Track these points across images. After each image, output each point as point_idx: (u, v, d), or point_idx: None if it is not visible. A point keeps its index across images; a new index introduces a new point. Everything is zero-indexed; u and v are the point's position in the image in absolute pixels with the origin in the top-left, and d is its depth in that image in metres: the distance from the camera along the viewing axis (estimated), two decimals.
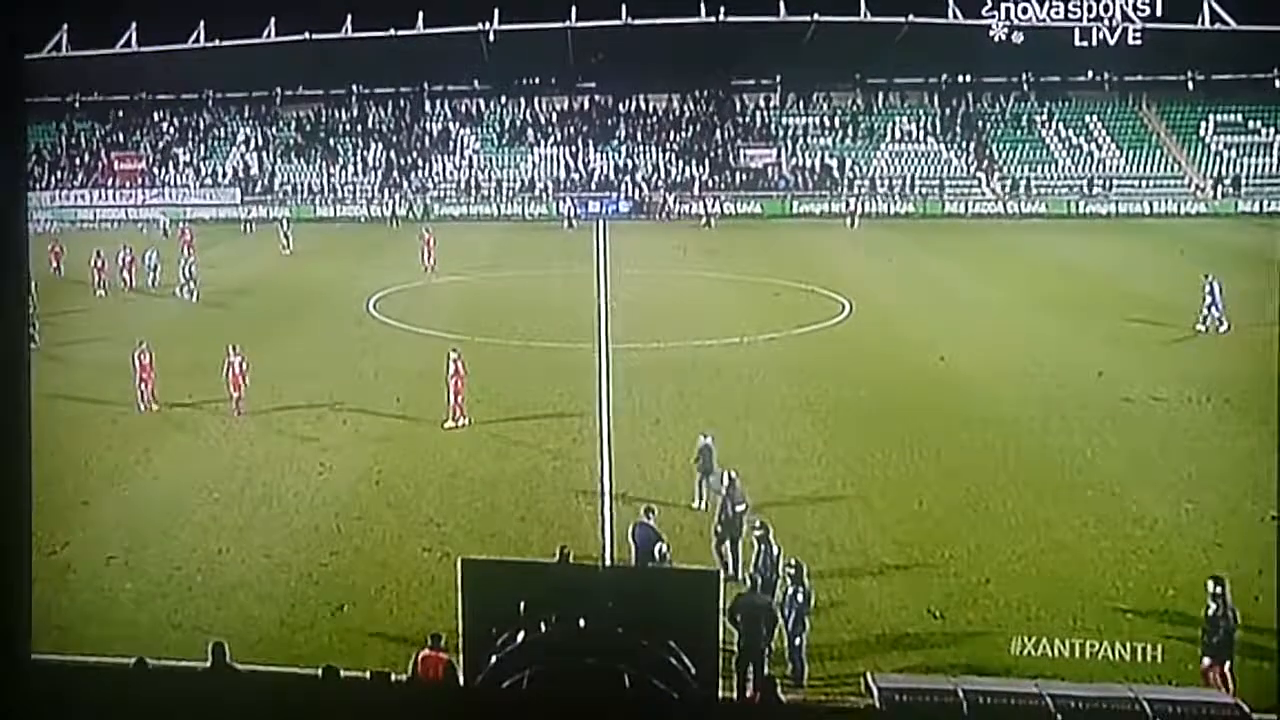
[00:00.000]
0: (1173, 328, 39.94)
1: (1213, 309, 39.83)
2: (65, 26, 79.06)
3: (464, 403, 31.18)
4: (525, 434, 29.62)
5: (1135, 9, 74.18)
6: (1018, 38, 74.44)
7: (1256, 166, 77.07)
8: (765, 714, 15.25)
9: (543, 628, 12.40)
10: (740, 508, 22.58)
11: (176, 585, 22.08)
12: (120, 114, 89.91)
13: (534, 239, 68.46)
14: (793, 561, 19.37)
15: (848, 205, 73.36)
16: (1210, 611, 18.19)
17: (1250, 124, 79.05)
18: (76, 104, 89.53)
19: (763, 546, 20.13)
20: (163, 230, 68.13)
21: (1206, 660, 18.09)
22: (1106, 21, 74.32)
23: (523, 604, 12.85)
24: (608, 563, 22.71)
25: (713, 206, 74.94)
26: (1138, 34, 73.63)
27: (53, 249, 53.40)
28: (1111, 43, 74.50)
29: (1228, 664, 17.94)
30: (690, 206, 76.67)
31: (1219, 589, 18.16)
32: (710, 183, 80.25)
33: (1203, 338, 39.14)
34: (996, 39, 74.69)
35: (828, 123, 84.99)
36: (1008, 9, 74.94)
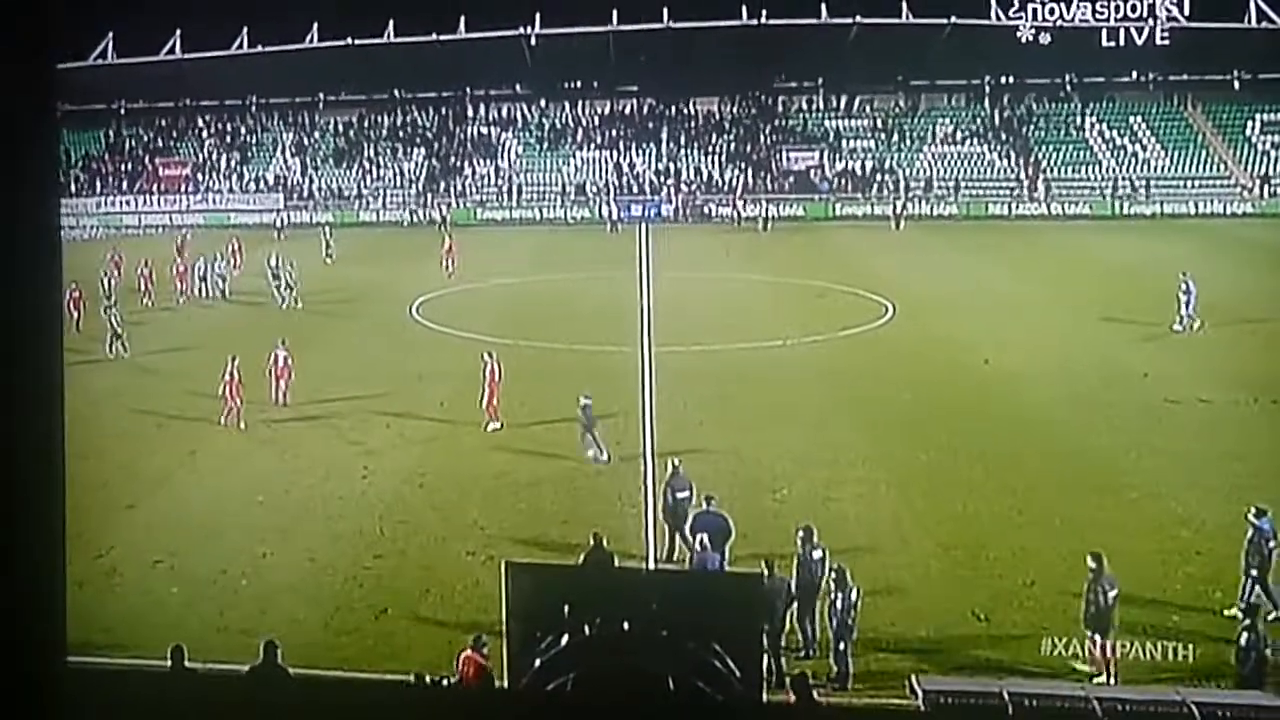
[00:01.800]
0: (1220, 330, 39.69)
1: (1186, 308, 39.94)
2: (110, 34, 79.88)
3: (498, 405, 31.17)
4: (568, 437, 29.62)
5: (1180, 7, 73.77)
6: (1045, 39, 74.14)
7: None
8: (809, 714, 15.15)
9: (586, 630, 12.38)
10: (683, 494, 22.93)
11: (221, 589, 22.13)
12: (164, 121, 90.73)
13: (577, 242, 68.58)
14: (836, 566, 19.31)
15: (892, 208, 73.13)
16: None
17: None
18: (122, 111, 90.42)
19: (806, 549, 20.05)
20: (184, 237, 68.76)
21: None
22: (1149, 21, 73.95)
23: (567, 607, 12.83)
24: (651, 565, 22.71)
25: (755, 209, 74.86)
26: (1165, 34, 73.20)
27: (113, 258, 52.53)
28: (1156, 42, 74.11)
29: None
30: (732, 209, 76.63)
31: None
32: (753, 185, 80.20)
33: (1181, 337, 39.44)
34: (1024, 39, 74.42)
35: (870, 125, 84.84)
36: (1035, 9, 74.71)
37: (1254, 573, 19.99)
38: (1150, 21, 74.21)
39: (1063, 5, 74.76)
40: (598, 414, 28.85)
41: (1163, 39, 73.57)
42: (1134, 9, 74.68)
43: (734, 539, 21.54)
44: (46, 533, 5.39)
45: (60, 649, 5.59)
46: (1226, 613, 19.94)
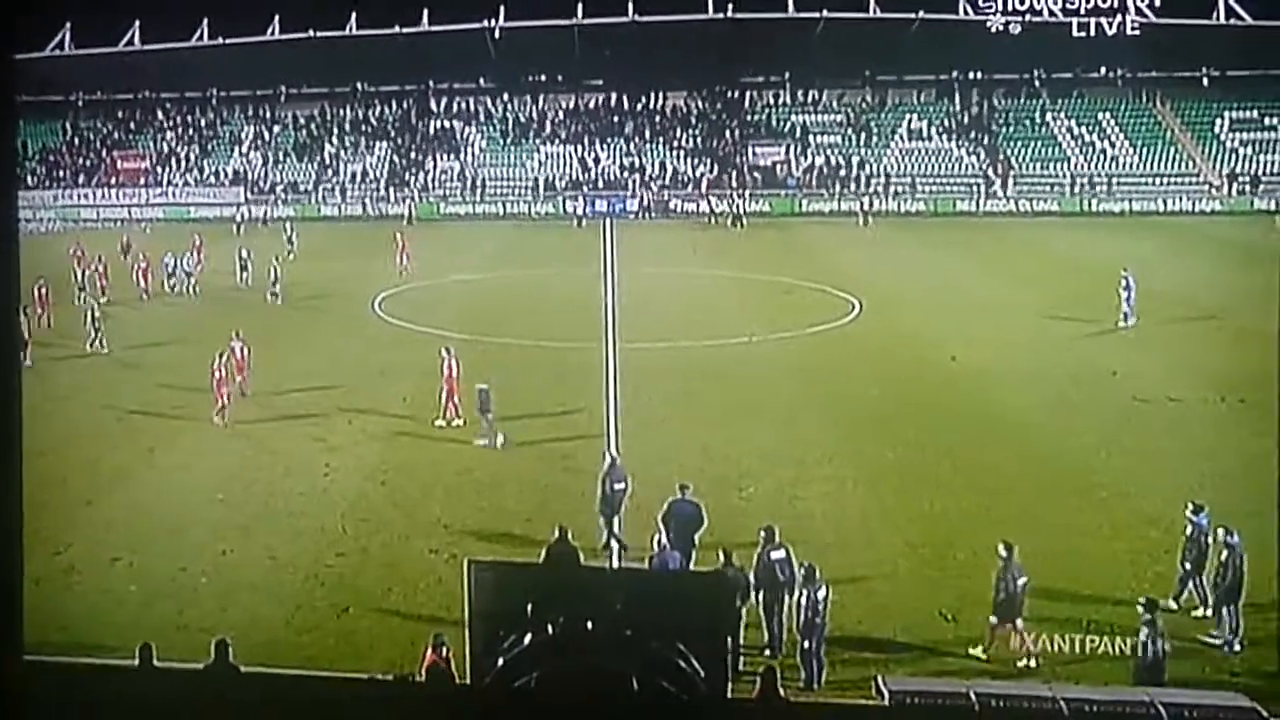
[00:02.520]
0: (1197, 322, 39.77)
1: (1126, 303, 40.23)
2: (68, 25, 79.07)
3: (459, 402, 30.87)
4: (533, 434, 29.39)
5: (1149, 3, 73.90)
6: (1015, 28, 74.09)
7: (1272, 163, 76.71)
8: (774, 714, 15.02)
9: (550, 629, 12.17)
10: (619, 486, 23.20)
11: (181, 586, 21.88)
12: (123, 113, 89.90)
13: (541, 238, 68.35)
14: (805, 564, 19.15)
15: (860, 204, 73.10)
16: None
17: (1266, 120, 78.72)
18: (80, 103, 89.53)
19: (769, 548, 19.89)
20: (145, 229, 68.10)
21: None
22: (1118, 15, 74.06)
23: (530, 606, 12.60)
24: (615, 564, 22.52)
25: (721, 205, 74.73)
26: (1135, 27, 73.25)
27: (74, 252, 51.84)
28: (1125, 33, 74.12)
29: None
30: (699, 205, 76.50)
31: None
32: (719, 181, 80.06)
33: (1132, 334, 39.66)
34: (995, 30, 74.34)
35: (837, 120, 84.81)
36: (1005, 1, 74.67)
37: (1188, 567, 20.25)
38: (1119, 16, 74.31)
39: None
40: (562, 410, 28.66)
41: (1133, 30, 73.64)
42: (1104, 2, 74.81)
43: (704, 529, 21.56)
44: (2, 530, 5.14)
45: (17, 647, 5.37)
46: (1162, 602, 19.66)
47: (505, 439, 29.07)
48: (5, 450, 5.03)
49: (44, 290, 40.79)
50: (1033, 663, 18.80)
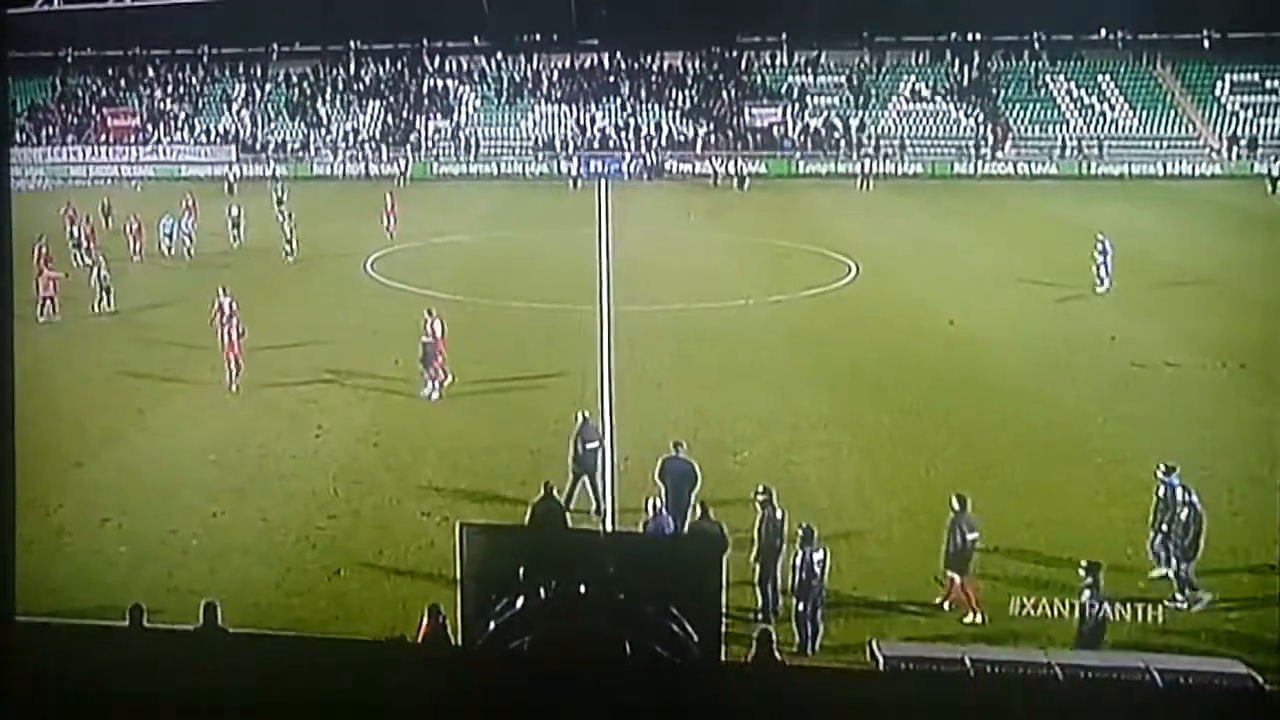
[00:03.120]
0: (1193, 286, 39.63)
1: (1103, 268, 40.25)
2: None
3: (443, 364, 30.53)
4: (526, 396, 29.26)
5: None
6: None
7: (1272, 127, 76.34)
8: (768, 678, 14.86)
9: (542, 593, 11.97)
10: (591, 445, 23.44)
11: (171, 548, 21.81)
12: (113, 70, 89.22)
13: (536, 199, 68.05)
14: (803, 525, 19.07)
15: (860, 166, 72.58)
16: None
17: (1267, 83, 78.25)
18: (69, 59, 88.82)
19: (766, 511, 19.85)
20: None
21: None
22: None
23: (522, 569, 12.41)
24: (609, 527, 22.42)
25: (718, 166, 74.41)
26: None
27: (66, 211, 50.82)
28: None
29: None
30: (694, 166, 76.18)
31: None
32: (715, 142, 79.69)
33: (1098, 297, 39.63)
34: None
35: (835, 81, 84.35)
36: None
37: (1163, 528, 20.33)
38: None
39: None
40: (556, 372, 28.54)
41: None
42: None
43: (700, 487, 21.62)
44: None
45: (10, 609, 5.20)
46: (1153, 574, 20.22)
47: (440, 391, 29.77)
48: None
49: (44, 249, 40.55)
50: (980, 617, 19.17)
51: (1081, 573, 18.20)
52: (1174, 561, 20.01)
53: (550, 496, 20.84)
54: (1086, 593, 17.97)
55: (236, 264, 46.58)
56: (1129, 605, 18.30)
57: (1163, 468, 20.65)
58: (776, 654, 16.56)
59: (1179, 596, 19.61)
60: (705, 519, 19.75)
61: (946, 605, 19.65)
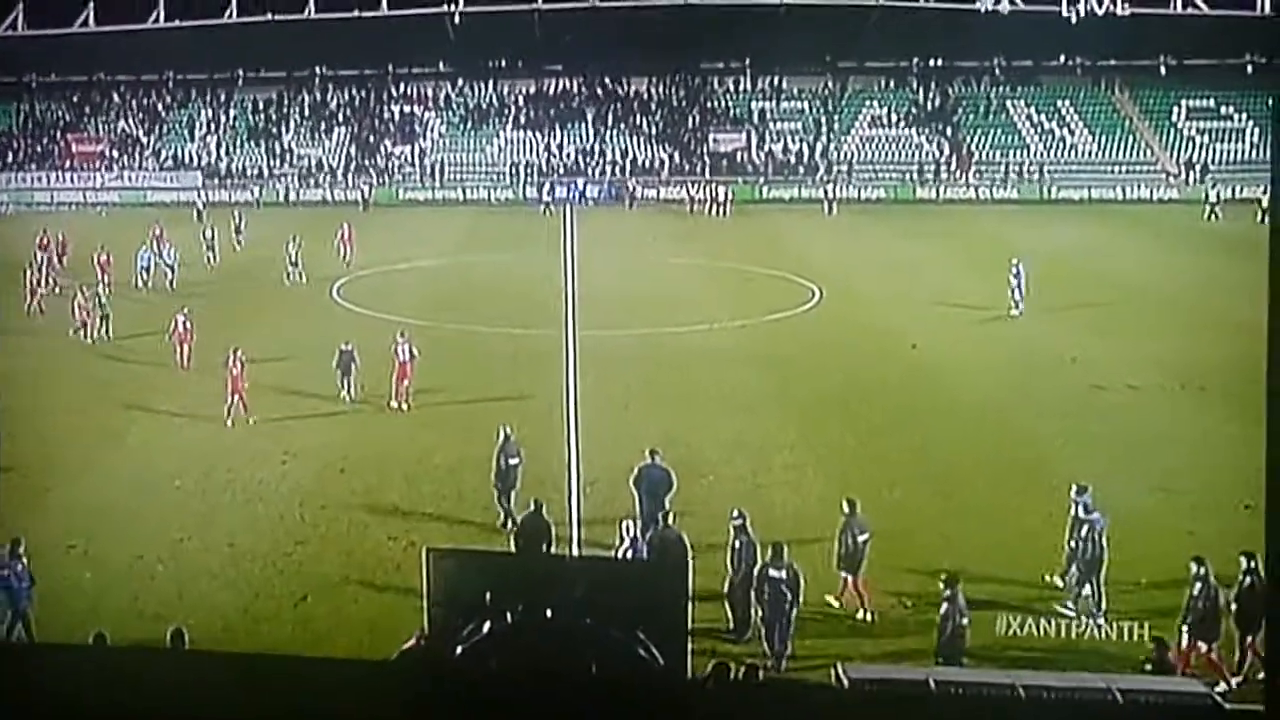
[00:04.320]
0: (1152, 312, 40.04)
1: (1016, 291, 40.71)
2: (21, 5, 78.12)
3: (408, 388, 31.27)
4: (492, 420, 29.28)
5: None
6: (1005, 7, 74.10)
7: (1228, 152, 77.26)
8: (734, 700, 14.98)
9: (509, 618, 12.09)
10: (514, 461, 23.97)
11: (138, 574, 21.80)
12: (78, 96, 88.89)
13: (501, 224, 68.10)
14: (774, 544, 19.41)
15: (825, 192, 72.83)
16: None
17: (1222, 109, 79.21)
18: (34, 84, 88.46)
19: (743, 537, 20.07)
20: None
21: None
22: (1079, 3, 74.34)
23: (489, 594, 12.54)
24: (575, 550, 22.51)
25: (682, 191, 74.64)
26: (1098, 11, 73.62)
27: (41, 241, 49.85)
28: (1086, 21, 74.39)
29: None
30: (660, 191, 76.42)
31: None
32: (680, 167, 79.97)
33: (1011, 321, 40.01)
34: (984, 10, 74.37)
35: (798, 107, 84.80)
36: None
37: (1072, 545, 20.77)
38: (1080, 4, 74.63)
39: None
40: (521, 396, 28.67)
41: (1092, 18, 73.94)
42: None
43: (675, 490, 22.29)
44: None
45: None
46: (1048, 578, 20.98)
47: (354, 398, 31.42)
48: None
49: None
50: (870, 616, 20.00)
51: (941, 586, 18.57)
52: (1076, 576, 20.56)
53: (538, 513, 21.21)
54: (945, 605, 18.31)
55: (213, 292, 46.25)
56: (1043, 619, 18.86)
57: (1075, 488, 21.13)
58: (743, 675, 16.67)
59: (1070, 606, 20.10)
60: (667, 527, 20.26)
61: (838, 604, 20.25)
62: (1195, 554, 19.11)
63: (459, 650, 12.14)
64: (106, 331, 38.92)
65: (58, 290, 43.78)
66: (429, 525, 23.50)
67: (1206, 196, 66.12)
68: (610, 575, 16.12)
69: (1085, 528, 20.39)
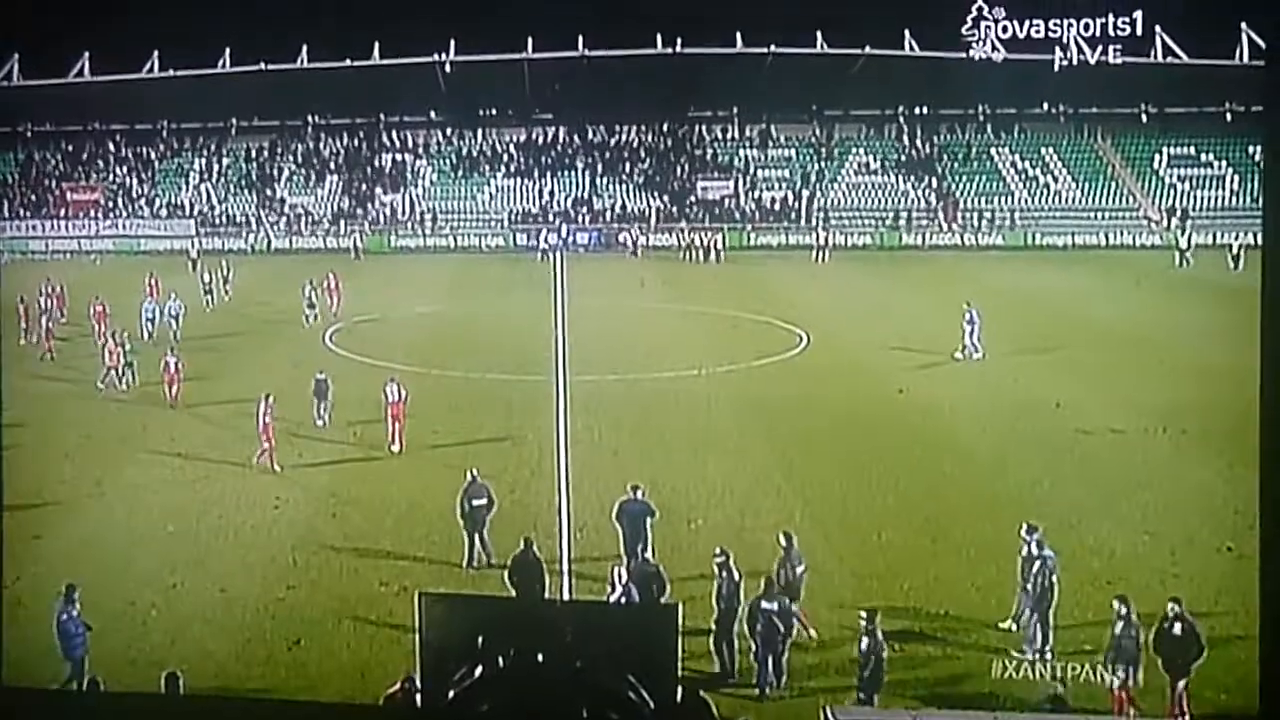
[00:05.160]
0: (1131, 360, 40.34)
1: (970, 337, 41.11)
2: (16, 56, 78.57)
3: (401, 429, 31.83)
4: (483, 466, 29.40)
5: (1089, 41, 75.00)
6: (997, 56, 74.77)
7: (1208, 199, 77.92)
8: None
9: (501, 662, 12.32)
10: (479, 502, 24.61)
11: (130, 620, 21.88)
12: (72, 145, 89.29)
13: (491, 271, 68.32)
14: (766, 577, 20.24)
15: (815, 238, 73.19)
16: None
17: (1202, 157, 79.98)
18: (29, 134, 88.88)
19: (724, 574, 20.38)
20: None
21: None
22: (1060, 52, 75.18)
23: (481, 638, 12.75)
24: (566, 595, 22.68)
25: (671, 239, 75.10)
26: (1077, 63, 74.46)
27: (45, 289, 49.34)
28: (1067, 69, 75.16)
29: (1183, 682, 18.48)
30: (649, 238, 76.82)
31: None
32: (668, 214, 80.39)
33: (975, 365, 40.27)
34: (979, 58, 75.04)
35: (785, 155, 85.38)
36: (987, 27, 75.54)
37: (1026, 586, 21.09)
38: (1061, 53, 75.46)
39: (1015, 24, 75.67)
40: (510, 441, 28.88)
41: (1074, 66, 74.79)
42: (1051, 35, 75.89)
43: (656, 519, 23.44)
44: None
45: None
46: (1002, 625, 21.27)
47: (327, 421, 33.23)
48: None
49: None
50: (813, 633, 20.41)
51: (861, 620, 19.02)
52: (1028, 615, 20.87)
53: (529, 549, 21.88)
54: (865, 639, 18.64)
55: (214, 344, 45.80)
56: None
57: (1025, 527, 21.52)
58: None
59: (1025, 649, 20.25)
60: (646, 562, 21.12)
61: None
62: (1120, 593, 19.62)
63: (451, 694, 12.33)
64: (133, 378, 38.75)
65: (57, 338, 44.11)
66: (420, 569, 23.65)
67: (1177, 243, 66.97)
68: (601, 620, 16.33)
69: (1037, 564, 20.83)
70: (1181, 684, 18.64)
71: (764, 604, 19.62)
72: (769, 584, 19.81)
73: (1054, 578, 20.70)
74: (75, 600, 19.78)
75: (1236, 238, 64.67)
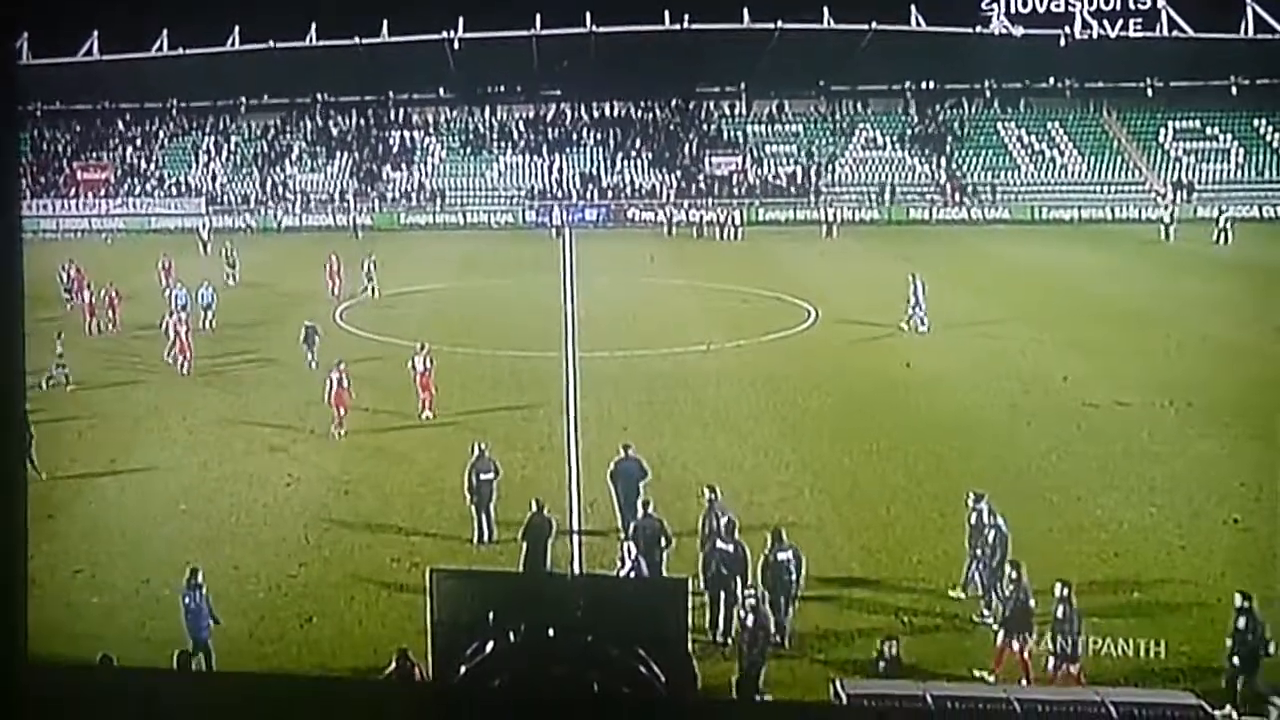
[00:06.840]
0: (1138, 334, 40.36)
1: (916, 308, 41.63)
2: (25, 35, 78.53)
3: (434, 395, 32.71)
4: (493, 442, 29.57)
5: (1096, 15, 75.06)
6: (1011, 31, 74.99)
7: (1214, 172, 77.84)
8: (736, 717, 15.27)
9: (511, 637, 12.38)
10: (487, 476, 24.56)
11: (144, 598, 21.90)
12: (82, 124, 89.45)
13: (501, 247, 68.43)
14: (775, 529, 20.68)
15: (825, 215, 73.11)
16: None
17: (1208, 130, 79.86)
18: (39, 113, 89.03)
19: (714, 513, 21.10)
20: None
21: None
22: (1067, 27, 75.25)
23: (492, 614, 12.82)
24: (577, 570, 22.77)
25: (679, 214, 75.14)
26: (1083, 38, 74.65)
27: (67, 268, 49.72)
28: (1074, 44, 75.29)
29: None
30: (657, 214, 76.86)
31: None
32: (677, 190, 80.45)
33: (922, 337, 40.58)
34: (998, 33, 75.35)
35: (792, 130, 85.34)
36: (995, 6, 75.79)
37: (976, 553, 21.22)
38: (1068, 28, 75.51)
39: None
40: (521, 419, 28.95)
41: (1080, 41, 74.90)
42: (1055, 9, 75.96)
43: (649, 479, 23.63)
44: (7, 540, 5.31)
45: (20, 653, 5.53)
46: (951, 593, 21.39)
47: (316, 363, 35.84)
48: (8, 459, 5.23)
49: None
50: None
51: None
52: (982, 582, 20.99)
53: (540, 512, 22.17)
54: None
55: (241, 321, 46.10)
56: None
57: (972, 496, 21.65)
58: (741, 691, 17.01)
59: (985, 613, 20.44)
60: (646, 516, 21.26)
61: None
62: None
63: (462, 669, 12.44)
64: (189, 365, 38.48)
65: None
66: (432, 545, 23.76)
67: (1174, 218, 66.95)
68: (612, 593, 16.44)
69: (992, 533, 20.92)
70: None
71: (779, 555, 20.02)
72: (777, 535, 20.36)
73: (1007, 545, 20.77)
74: (200, 584, 19.80)
75: (1221, 211, 64.78)
